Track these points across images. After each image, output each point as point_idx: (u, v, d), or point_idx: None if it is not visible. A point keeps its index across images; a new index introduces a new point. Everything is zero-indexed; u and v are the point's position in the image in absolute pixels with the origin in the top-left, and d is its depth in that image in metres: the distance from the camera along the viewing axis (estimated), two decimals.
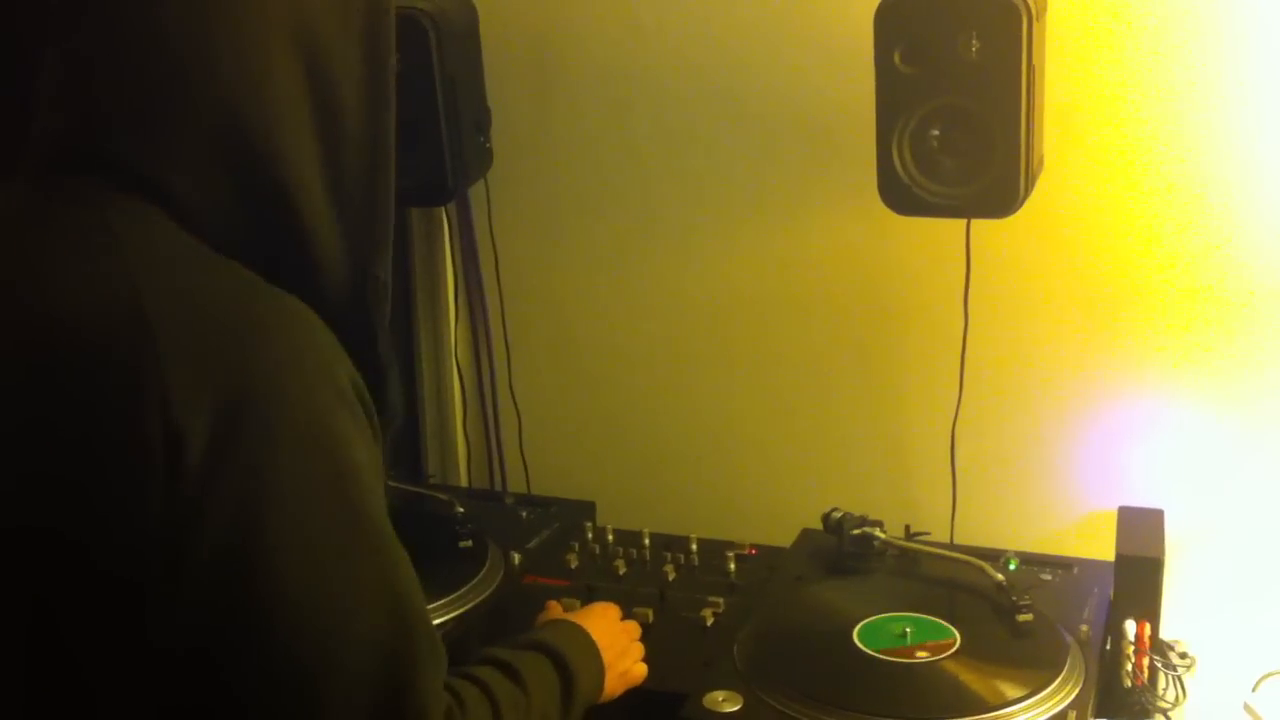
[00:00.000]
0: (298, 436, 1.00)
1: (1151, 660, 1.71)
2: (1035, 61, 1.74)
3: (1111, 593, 1.76)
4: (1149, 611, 1.72)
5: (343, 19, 1.12)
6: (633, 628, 1.62)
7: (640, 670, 1.57)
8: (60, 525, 0.99)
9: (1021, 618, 1.67)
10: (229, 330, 1.01)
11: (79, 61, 1.08)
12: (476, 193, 2.32)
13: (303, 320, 1.05)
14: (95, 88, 1.07)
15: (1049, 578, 1.83)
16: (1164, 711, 1.70)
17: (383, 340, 1.17)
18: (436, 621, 1.73)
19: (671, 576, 1.89)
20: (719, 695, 1.56)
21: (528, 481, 2.41)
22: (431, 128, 2.04)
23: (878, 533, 1.87)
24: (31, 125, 1.11)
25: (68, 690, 1.01)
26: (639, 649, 1.59)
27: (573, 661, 1.37)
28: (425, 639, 1.08)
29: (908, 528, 1.94)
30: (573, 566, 1.93)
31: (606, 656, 1.46)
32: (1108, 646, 1.73)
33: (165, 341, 0.98)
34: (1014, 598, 1.69)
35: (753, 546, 1.96)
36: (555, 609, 1.63)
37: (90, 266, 1.02)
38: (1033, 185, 1.80)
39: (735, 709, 1.54)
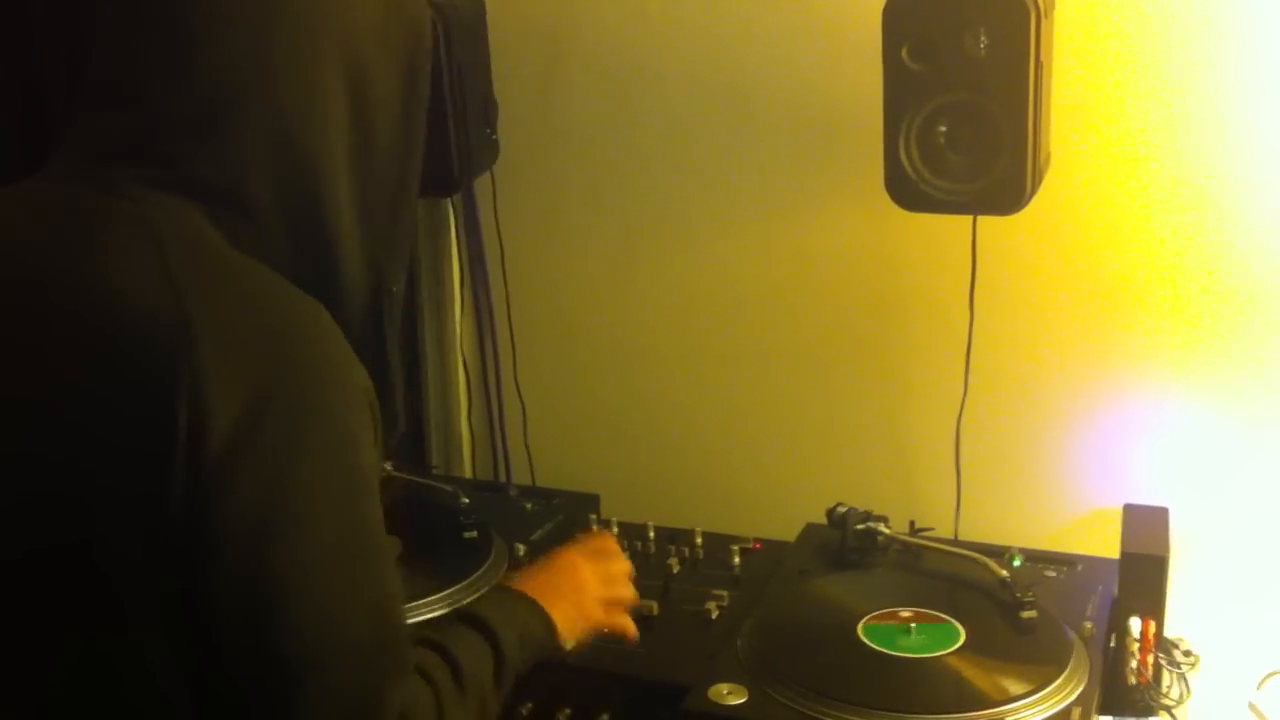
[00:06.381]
0: (318, 437, 1.03)
1: (1156, 658, 1.71)
2: (1043, 59, 1.74)
3: (1116, 590, 1.76)
4: (1153, 609, 1.72)
5: (386, 41, 1.16)
6: (615, 566, 1.55)
7: (613, 610, 1.50)
8: (82, 522, 1.01)
9: (1025, 614, 1.68)
10: (262, 328, 1.04)
11: (136, 62, 1.11)
12: (482, 185, 2.32)
13: (328, 324, 1.08)
14: (152, 88, 1.10)
15: (1053, 574, 1.83)
16: (1168, 709, 1.70)
17: (392, 351, 1.20)
18: (440, 612, 1.73)
19: (676, 569, 1.89)
20: (723, 688, 1.56)
21: (532, 473, 2.41)
22: (438, 119, 2.04)
23: (882, 528, 1.88)
24: (77, 118, 1.13)
25: (107, 666, 1.03)
26: (618, 586, 1.53)
27: (495, 624, 1.31)
28: (400, 649, 1.10)
29: (912, 523, 1.95)
30: None
31: (553, 597, 1.41)
32: (1112, 644, 1.73)
33: (201, 335, 1.00)
34: (1018, 594, 1.69)
35: (757, 540, 1.97)
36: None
37: (134, 261, 1.04)
38: (1039, 182, 1.80)
39: (740, 702, 1.54)
